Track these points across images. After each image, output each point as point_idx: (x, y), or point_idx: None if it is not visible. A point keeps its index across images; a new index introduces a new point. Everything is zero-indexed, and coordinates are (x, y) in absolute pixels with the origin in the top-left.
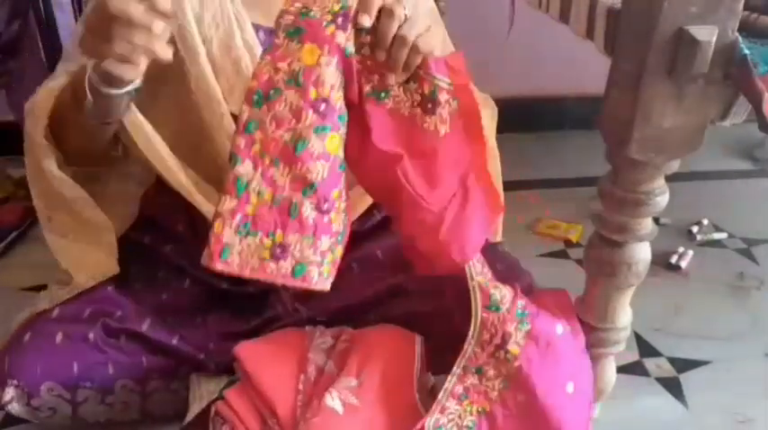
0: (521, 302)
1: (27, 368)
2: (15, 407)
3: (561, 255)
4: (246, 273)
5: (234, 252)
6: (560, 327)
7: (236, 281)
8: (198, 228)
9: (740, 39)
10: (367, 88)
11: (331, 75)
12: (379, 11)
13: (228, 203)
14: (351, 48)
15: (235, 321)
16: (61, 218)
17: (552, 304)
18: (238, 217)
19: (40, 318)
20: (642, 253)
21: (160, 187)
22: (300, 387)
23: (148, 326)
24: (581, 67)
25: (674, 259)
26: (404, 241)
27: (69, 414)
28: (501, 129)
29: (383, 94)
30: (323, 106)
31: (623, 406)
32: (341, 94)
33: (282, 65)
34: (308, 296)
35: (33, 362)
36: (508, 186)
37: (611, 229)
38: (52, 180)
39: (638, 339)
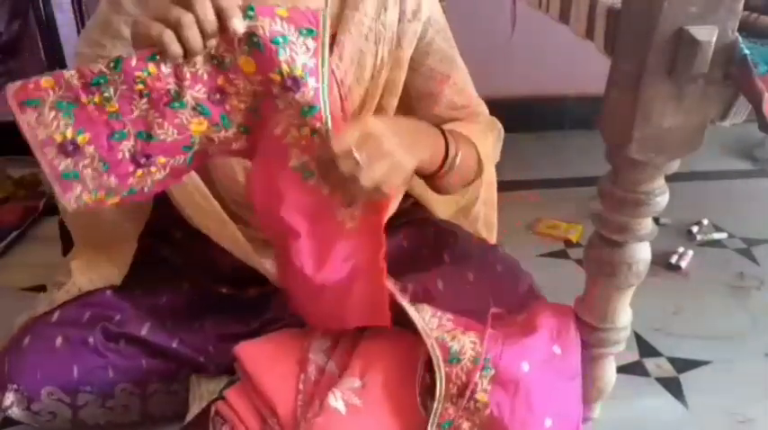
0: (479, 347)
1: (27, 373)
2: (15, 412)
3: (561, 255)
4: (29, 137)
5: (32, 118)
6: (526, 365)
7: (236, 285)
8: (196, 234)
9: (740, 39)
10: (294, 162)
11: (247, 92)
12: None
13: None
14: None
15: (234, 323)
16: (96, 234)
17: (551, 321)
18: (67, 89)
19: (39, 322)
20: (642, 253)
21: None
22: (301, 386)
23: (148, 330)
24: (581, 67)
25: (674, 259)
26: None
27: (70, 418)
28: None
29: (307, 174)
30: (217, 96)
31: (623, 406)
32: (243, 107)
33: (220, 48)
34: None
35: (33, 366)
36: (508, 186)
37: (611, 229)
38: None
39: (638, 339)
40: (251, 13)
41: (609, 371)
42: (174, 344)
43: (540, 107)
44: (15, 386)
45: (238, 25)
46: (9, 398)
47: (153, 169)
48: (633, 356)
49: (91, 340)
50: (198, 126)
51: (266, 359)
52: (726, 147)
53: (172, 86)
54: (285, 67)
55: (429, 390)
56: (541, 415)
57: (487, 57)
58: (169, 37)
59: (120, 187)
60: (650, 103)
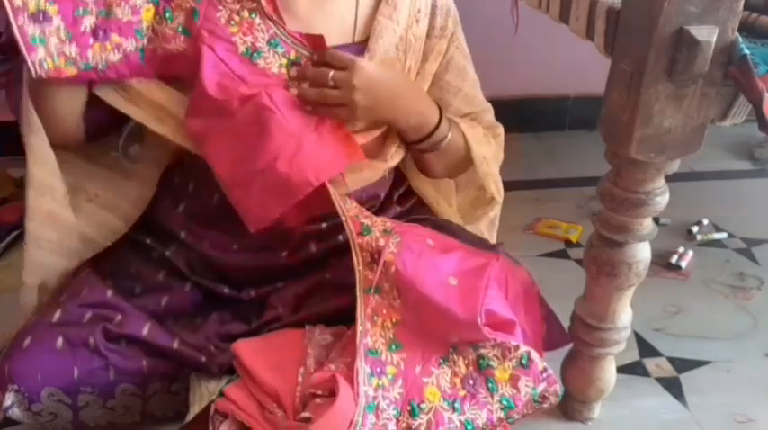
0: (390, 224)
1: (28, 373)
2: (16, 412)
3: (561, 255)
4: (6, 2)
5: None
6: (431, 241)
7: (237, 286)
8: (198, 236)
9: (740, 39)
10: (241, 48)
11: None
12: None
13: None
14: None
15: (235, 323)
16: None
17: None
18: None
19: (40, 323)
20: (642, 253)
21: (161, 190)
22: (300, 379)
23: (148, 330)
24: (581, 68)
25: (674, 259)
26: (235, 194)
27: (70, 418)
28: None
29: (255, 55)
30: None
31: (623, 406)
32: (187, 6)
33: None
34: (307, 296)
35: (34, 367)
36: (508, 186)
37: (611, 229)
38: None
39: (638, 339)
40: None
41: (609, 372)
42: (175, 345)
43: (540, 107)
44: (16, 387)
45: None
46: (9, 398)
47: (108, 45)
48: (633, 356)
49: (91, 341)
50: (147, 13)
51: (265, 354)
52: (726, 147)
53: None
54: None
55: None
56: (445, 274)
57: (488, 57)
58: None
59: (78, 58)
60: (650, 104)
